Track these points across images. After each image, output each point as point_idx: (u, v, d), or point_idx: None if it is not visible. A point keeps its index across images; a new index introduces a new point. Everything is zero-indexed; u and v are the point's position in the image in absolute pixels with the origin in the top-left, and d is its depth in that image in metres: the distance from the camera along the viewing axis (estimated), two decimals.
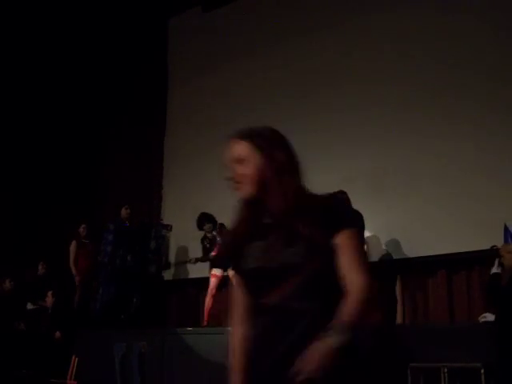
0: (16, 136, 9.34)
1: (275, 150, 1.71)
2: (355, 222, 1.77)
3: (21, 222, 9.28)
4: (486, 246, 6.05)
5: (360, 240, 1.71)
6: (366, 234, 6.48)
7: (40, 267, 8.56)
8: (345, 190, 6.57)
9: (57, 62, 9.67)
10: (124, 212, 8.32)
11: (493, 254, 5.54)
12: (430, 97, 6.86)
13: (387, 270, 6.99)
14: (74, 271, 8.42)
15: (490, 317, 5.21)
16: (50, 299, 7.92)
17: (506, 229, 5.80)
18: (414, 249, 6.71)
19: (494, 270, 5.03)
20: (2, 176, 9.16)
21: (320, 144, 7.26)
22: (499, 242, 5.70)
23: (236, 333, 1.79)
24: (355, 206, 6.40)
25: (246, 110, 7.98)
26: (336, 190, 6.60)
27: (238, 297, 1.80)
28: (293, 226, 1.63)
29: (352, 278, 1.62)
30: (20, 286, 8.39)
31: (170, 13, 9.92)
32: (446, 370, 4.83)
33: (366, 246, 6.53)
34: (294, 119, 7.33)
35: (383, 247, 6.99)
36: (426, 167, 6.74)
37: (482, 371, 4.62)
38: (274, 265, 1.63)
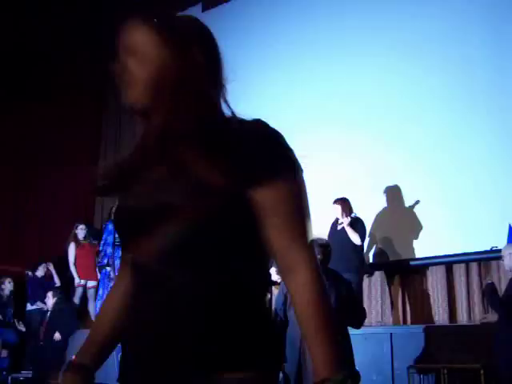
0: (16, 136, 9.32)
1: (190, 48, 1.19)
2: (292, 169, 1.15)
3: (20, 223, 9.27)
4: (486, 247, 6.05)
5: (302, 197, 1.15)
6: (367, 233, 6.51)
7: (41, 269, 8.56)
8: (345, 189, 6.60)
9: (56, 62, 9.66)
10: None
11: (493, 255, 5.54)
12: (430, 95, 6.84)
13: (386, 271, 7.00)
14: (74, 273, 8.41)
15: (490, 318, 5.20)
16: (50, 300, 7.91)
17: (510, 229, 5.78)
18: (413, 249, 6.71)
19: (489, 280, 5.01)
20: (1, 176, 9.15)
21: (320, 142, 7.25)
22: (500, 243, 5.69)
23: (111, 290, 1.38)
24: (356, 206, 6.44)
25: (245, 108, 7.94)
26: (336, 189, 6.64)
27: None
28: (185, 156, 1.12)
29: (297, 263, 1.11)
30: (20, 286, 8.39)
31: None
32: (445, 370, 4.83)
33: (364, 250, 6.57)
34: (294, 118, 7.32)
35: (383, 247, 6.98)
36: (426, 166, 6.73)
37: (482, 372, 4.62)
38: (147, 204, 1.14)
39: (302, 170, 1.16)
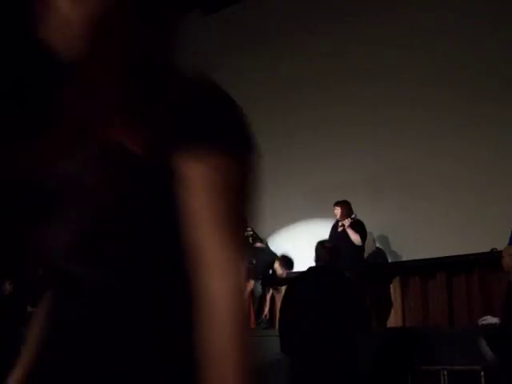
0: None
1: None
2: (240, 143, 0.87)
3: (20, 223, 9.27)
4: (486, 248, 6.05)
5: (246, 182, 0.86)
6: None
7: (40, 271, 8.57)
8: (345, 190, 6.63)
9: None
10: None
11: (493, 256, 5.54)
12: (430, 95, 6.84)
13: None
14: None
15: (490, 319, 5.20)
16: None
17: None
18: (413, 251, 6.71)
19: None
20: None
21: (320, 143, 7.26)
22: (499, 244, 5.69)
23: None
24: (355, 206, 6.46)
25: (246, 112, 7.95)
26: (336, 190, 6.67)
27: None
28: (111, 122, 0.87)
29: (224, 266, 0.83)
30: (20, 288, 8.39)
31: None
32: (445, 372, 4.83)
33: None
34: (293, 120, 7.33)
35: (382, 249, 6.99)
36: (427, 168, 6.73)
37: (482, 374, 4.62)
38: (49, 180, 0.91)
39: (254, 149, 0.88)
